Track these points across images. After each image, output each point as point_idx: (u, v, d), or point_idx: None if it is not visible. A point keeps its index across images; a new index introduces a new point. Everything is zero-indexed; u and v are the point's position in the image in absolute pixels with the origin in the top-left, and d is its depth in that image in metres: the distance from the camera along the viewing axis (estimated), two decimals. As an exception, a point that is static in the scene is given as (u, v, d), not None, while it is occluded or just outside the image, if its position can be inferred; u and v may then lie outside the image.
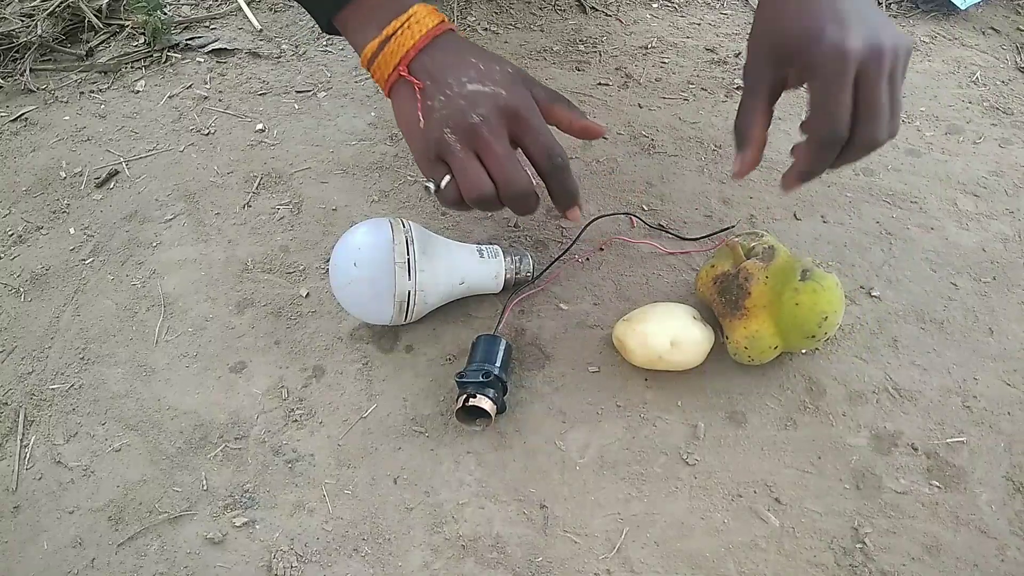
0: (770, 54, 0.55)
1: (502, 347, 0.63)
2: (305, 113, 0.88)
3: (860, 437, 0.61)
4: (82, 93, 0.92)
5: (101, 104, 0.90)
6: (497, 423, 0.62)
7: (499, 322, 0.67)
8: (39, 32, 0.94)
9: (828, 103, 0.51)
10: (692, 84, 0.89)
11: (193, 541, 0.57)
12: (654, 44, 0.95)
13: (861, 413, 0.62)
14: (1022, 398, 0.63)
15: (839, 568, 0.55)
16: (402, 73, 0.56)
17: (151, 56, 0.95)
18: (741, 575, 0.55)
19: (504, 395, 0.61)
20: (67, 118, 0.89)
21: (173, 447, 0.62)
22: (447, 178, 0.56)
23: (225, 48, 0.96)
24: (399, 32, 0.56)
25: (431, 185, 0.57)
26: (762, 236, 0.65)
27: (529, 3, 1.00)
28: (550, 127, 0.58)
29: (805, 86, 0.53)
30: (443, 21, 0.57)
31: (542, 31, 0.97)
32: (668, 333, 0.61)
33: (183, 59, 0.95)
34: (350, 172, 0.81)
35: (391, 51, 0.56)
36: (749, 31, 0.58)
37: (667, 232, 0.74)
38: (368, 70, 0.58)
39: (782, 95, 0.57)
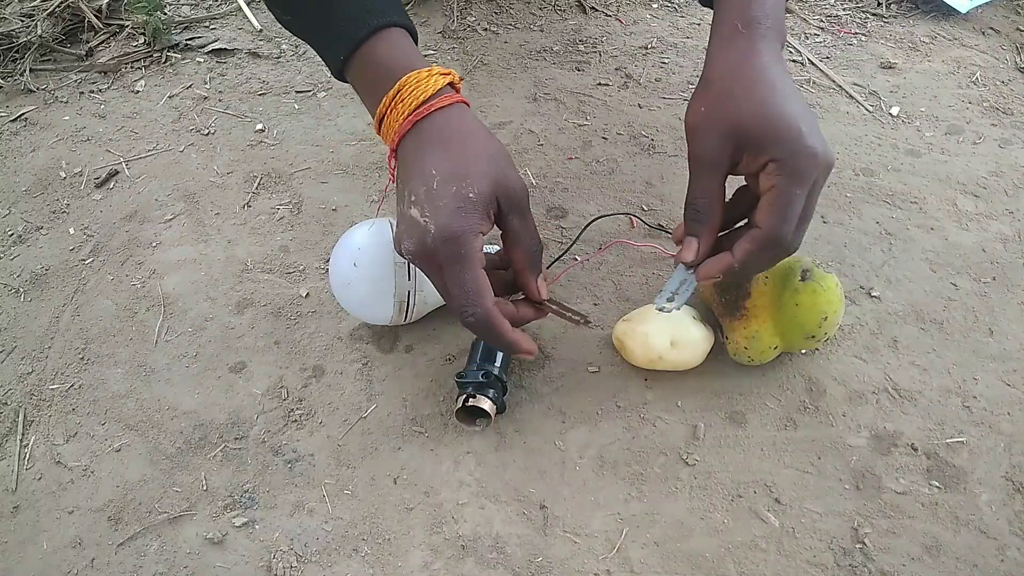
0: (731, 135, 0.50)
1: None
2: (305, 113, 0.88)
3: (860, 437, 0.61)
4: (82, 93, 0.92)
5: (101, 104, 0.90)
6: (497, 423, 0.62)
7: (499, 322, 0.67)
8: (39, 32, 0.94)
9: (791, 203, 0.49)
10: (692, 84, 0.89)
11: (193, 541, 0.57)
12: (654, 44, 0.95)
13: (861, 413, 0.62)
14: (1022, 398, 0.63)
15: (839, 568, 0.55)
16: (390, 161, 0.54)
17: (151, 56, 0.95)
18: (741, 575, 0.55)
19: (504, 395, 0.61)
20: (67, 118, 0.89)
21: (173, 447, 0.62)
22: None
23: (225, 48, 0.96)
24: (390, 111, 0.52)
25: None
26: (762, 236, 0.65)
27: (529, 3, 1.00)
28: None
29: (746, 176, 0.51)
30: (436, 92, 0.52)
31: (542, 31, 0.97)
32: (668, 333, 0.61)
33: (183, 59, 0.95)
34: (350, 172, 0.81)
35: (385, 132, 0.53)
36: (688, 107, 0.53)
37: (667, 232, 0.74)
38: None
39: None
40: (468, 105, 0.54)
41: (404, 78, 0.52)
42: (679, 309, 0.56)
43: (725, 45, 0.53)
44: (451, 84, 0.53)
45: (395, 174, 0.53)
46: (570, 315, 0.58)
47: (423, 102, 0.51)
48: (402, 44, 0.54)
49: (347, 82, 0.58)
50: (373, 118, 0.54)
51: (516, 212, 0.53)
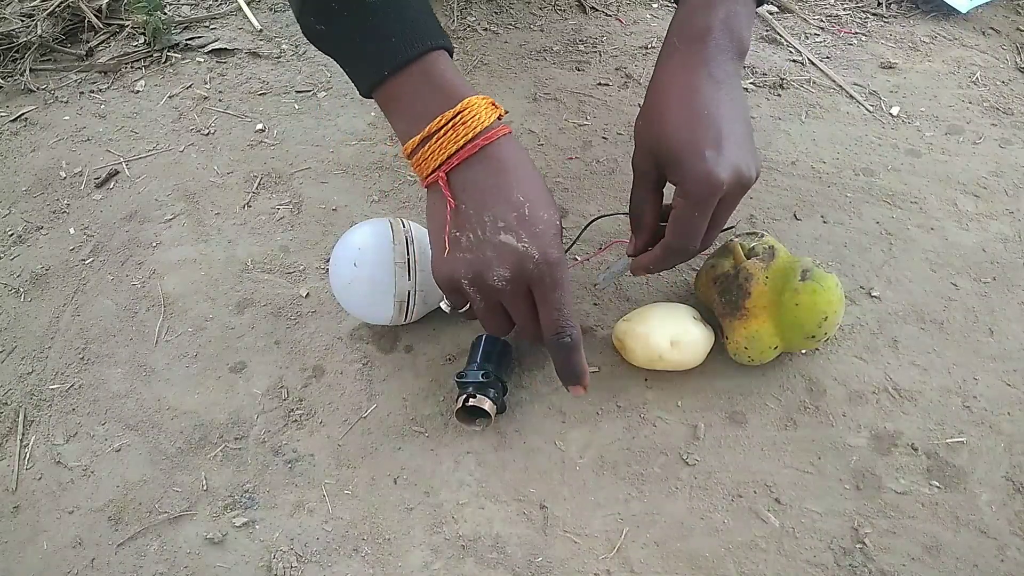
0: (651, 152, 0.55)
1: (502, 347, 0.63)
2: (305, 113, 0.88)
3: (860, 437, 0.61)
4: (82, 93, 0.92)
5: (101, 104, 0.90)
6: (497, 423, 0.62)
7: (499, 322, 0.67)
8: (39, 32, 0.94)
9: (690, 222, 0.54)
10: (692, 84, 0.89)
11: (193, 541, 0.57)
12: (654, 44, 0.95)
13: (861, 413, 0.62)
14: (1022, 398, 0.63)
15: (839, 568, 0.55)
16: (441, 180, 0.51)
17: (151, 56, 0.95)
18: (741, 575, 0.55)
19: (504, 395, 0.61)
20: (67, 118, 0.89)
21: (173, 447, 0.62)
22: (465, 308, 0.56)
23: (225, 48, 0.96)
24: (444, 130, 0.50)
25: (446, 307, 0.57)
26: (762, 236, 0.65)
27: (529, 3, 1.00)
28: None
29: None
30: (498, 119, 0.52)
31: (542, 31, 0.97)
32: (668, 333, 0.61)
33: (183, 59, 0.95)
34: (350, 172, 0.81)
35: (432, 151, 0.51)
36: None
37: (667, 232, 0.74)
38: (408, 160, 0.54)
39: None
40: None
41: (466, 101, 0.51)
42: (604, 285, 0.69)
43: (664, 60, 0.57)
44: (499, 117, 0.53)
45: (454, 196, 0.52)
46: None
47: (487, 128, 0.51)
48: (454, 68, 0.54)
49: (371, 97, 0.55)
50: (405, 136, 0.53)
51: None
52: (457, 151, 0.51)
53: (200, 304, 0.71)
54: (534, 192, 0.51)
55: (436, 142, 0.51)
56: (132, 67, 0.95)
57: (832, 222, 0.75)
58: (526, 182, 0.52)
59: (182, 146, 0.85)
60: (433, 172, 0.52)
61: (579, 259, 0.73)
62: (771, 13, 0.98)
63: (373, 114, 0.87)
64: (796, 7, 0.99)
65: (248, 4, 1.01)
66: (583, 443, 0.61)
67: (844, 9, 0.99)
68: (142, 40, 0.97)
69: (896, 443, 0.61)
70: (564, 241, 0.73)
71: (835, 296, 0.59)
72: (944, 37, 0.95)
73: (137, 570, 0.56)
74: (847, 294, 0.68)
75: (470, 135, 0.51)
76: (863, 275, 0.71)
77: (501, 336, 0.56)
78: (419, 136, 0.52)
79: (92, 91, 0.92)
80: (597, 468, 0.60)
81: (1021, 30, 0.95)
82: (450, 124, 0.51)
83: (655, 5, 1.01)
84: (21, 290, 0.73)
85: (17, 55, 0.95)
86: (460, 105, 0.51)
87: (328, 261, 0.69)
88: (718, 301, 0.63)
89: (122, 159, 0.84)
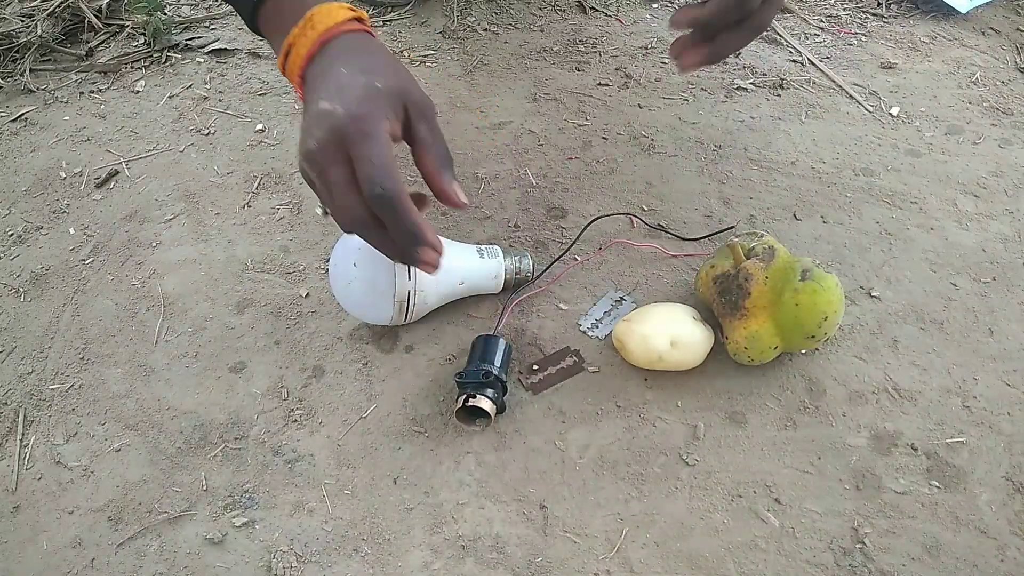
0: None
1: (502, 347, 0.63)
2: (305, 113, 0.88)
3: (860, 437, 0.61)
4: (82, 93, 0.92)
5: (101, 104, 0.90)
6: (497, 423, 0.62)
7: (499, 322, 0.67)
8: (39, 32, 0.94)
9: None
10: (692, 84, 0.89)
11: (193, 541, 0.57)
12: (654, 44, 0.95)
13: (861, 413, 0.62)
14: (1022, 398, 0.63)
15: (839, 568, 0.55)
16: (296, 85, 0.52)
17: (151, 56, 0.95)
18: (741, 575, 0.55)
19: (504, 395, 0.61)
20: (67, 118, 0.89)
21: (173, 447, 0.62)
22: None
23: (225, 48, 0.96)
24: (298, 39, 0.51)
25: (319, 208, 0.54)
26: (762, 236, 0.65)
27: (529, 3, 1.00)
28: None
29: None
30: (345, 20, 0.52)
31: (542, 31, 0.97)
32: (668, 333, 0.61)
33: (183, 59, 0.95)
34: (350, 172, 0.81)
35: (292, 63, 0.52)
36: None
37: (667, 232, 0.74)
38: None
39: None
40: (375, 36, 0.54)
41: (315, 8, 0.52)
42: (601, 338, 0.66)
43: None
44: (359, 19, 0.53)
45: (304, 95, 0.52)
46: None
47: (332, 26, 0.51)
48: None
49: (261, 35, 0.57)
50: (279, 57, 0.54)
51: (423, 119, 0.52)
52: (307, 52, 0.51)
53: (200, 304, 0.71)
54: (362, 66, 0.50)
55: (295, 52, 0.52)
56: (132, 67, 0.95)
57: (832, 222, 0.75)
58: (356, 60, 0.51)
59: (182, 146, 0.85)
60: (296, 84, 0.52)
61: (579, 259, 0.73)
62: (771, 13, 0.98)
63: (373, 114, 0.87)
64: (796, 7, 0.99)
65: (248, 4, 1.01)
66: (583, 443, 0.61)
67: (844, 9, 0.99)
68: (142, 40, 0.97)
69: (896, 443, 0.61)
70: (564, 241, 0.74)
71: (835, 296, 0.59)
72: (944, 37, 0.95)
73: (137, 570, 0.56)
74: (847, 294, 0.68)
75: (316, 36, 0.51)
76: (863, 275, 0.71)
77: (353, 229, 0.52)
78: (283, 53, 0.53)
79: (92, 91, 0.92)
80: (597, 468, 0.60)
81: (1021, 30, 0.95)
82: (301, 31, 0.51)
83: (655, 5, 1.01)
84: (21, 290, 0.73)
85: (17, 55, 0.95)
86: (309, 13, 0.52)
87: (328, 261, 0.69)
88: (718, 301, 0.63)
89: (122, 159, 0.84)
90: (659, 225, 0.75)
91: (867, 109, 0.86)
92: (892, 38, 0.95)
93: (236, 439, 0.63)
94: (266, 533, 0.58)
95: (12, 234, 0.78)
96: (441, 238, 0.66)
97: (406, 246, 0.51)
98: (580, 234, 0.73)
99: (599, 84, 0.90)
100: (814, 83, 0.89)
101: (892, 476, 0.59)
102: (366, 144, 0.48)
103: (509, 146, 0.83)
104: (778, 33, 0.95)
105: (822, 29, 0.97)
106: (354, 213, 0.50)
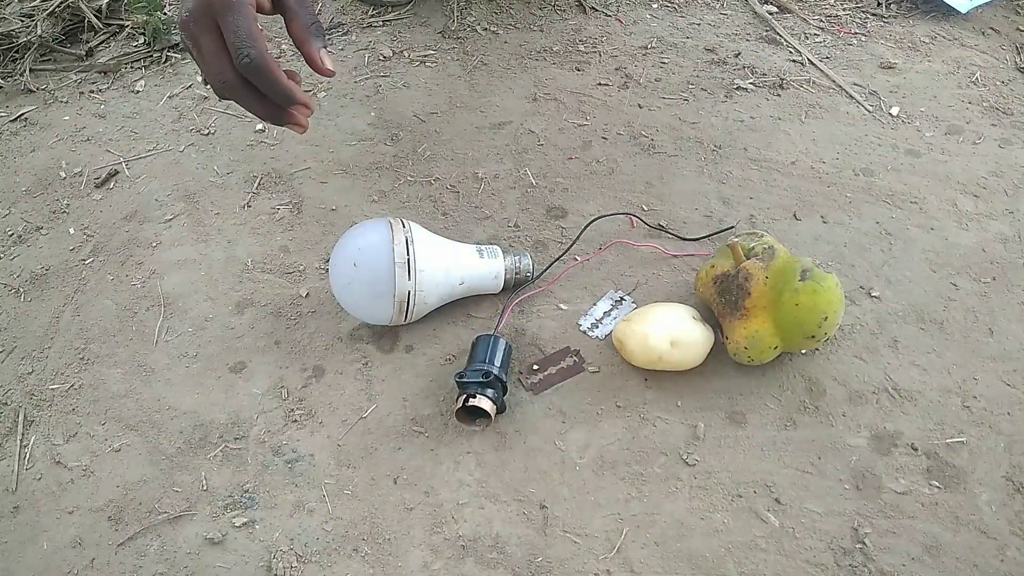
0: None
1: (502, 347, 0.63)
2: (305, 113, 0.88)
3: (860, 437, 0.61)
4: (82, 93, 0.92)
5: (101, 104, 0.90)
6: (497, 423, 0.62)
7: (499, 322, 0.67)
8: (39, 32, 0.94)
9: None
10: (692, 84, 0.89)
11: (193, 541, 0.57)
12: (654, 44, 0.95)
13: (861, 413, 0.62)
14: (1022, 398, 0.63)
15: (839, 568, 0.55)
16: None
17: (151, 56, 0.95)
18: (741, 575, 0.55)
19: (504, 395, 0.61)
20: (67, 118, 0.89)
21: (173, 447, 0.62)
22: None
23: (225, 48, 0.96)
24: None
25: (199, 78, 0.56)
26: (762, 236, 0.65)
27: (529, 3, 1.00)
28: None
29: None
30: None
31: (542, 31, 0.97)
32: (668, 333, 0.61)
33: (183, 59, 0.95)
34: (350, 172, 0.81)
35: None
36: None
37: (667, 232, 0.74)
38: None
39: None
40: None
41: None
42: (601, 338, 0.66)
43: None
44: None
45: None
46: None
47: None
48: None
49: None
50: None
51: None
52: None
53: (200, 304, 0.71)
54: None
55: None
56: (132, 67, 0.95)
57: (832, 222, 0.75)
58: None
59: (182, 146, 0.85)
60: None
61: (579, 259, 0.73)
62: (771, 13, 0.98)
63: (373, 114, 0.87)
64: (796, 7, 0.99)
65: (248, 4, 1.01)
66: (583, 443, 0.61)
67: (844, 9, 0.99)
68: (142, 40, 0.97)
69: (896, 443, 0.61)
70: (564, 241, 0.74)
71: (835, 296, 0.59)
72: (944, 37, 0.95)
73: (137, 570, 0.56)
74: (847, 294, 0.68)
75: None
76: (863, 275, 0.71)
77: (225, 93, 0.55)
78: None
79: (92, 91, 0.92)
80: (597, 468, 0.60)
81: (1021, 30, 0.95)
82: None
83: (655, 5, 1.01)
84: (21, 290, 0.73)
85: (17, 55, 0.95)
86: None
87: (328, 261, 0.69)
88: (718, 301, 0.63)
89: (122, 159, 0.84)
90: (659, 225, 0.75)
91: (867, 109, 0.86)
92: (892, 38, 0.95)
93: (236, 439, 0.63)
94: (266, 533, 0.58)
95: (12, 234, 0.78)
96: (441, 238, 0.67)
97: (278, 106, 0.55)
98: (580, 234, 0.73)
99: (599, 84, 0.90)
100: (814, 83, 0.89)
101: (892, 476, 0.59)
102: (230, 14, 0.52)
103: (509, 146, 0.83)
104: (778, 33, 0.95)
105: (822, 29, 0.96)
106: (224, 77, 0.54)
